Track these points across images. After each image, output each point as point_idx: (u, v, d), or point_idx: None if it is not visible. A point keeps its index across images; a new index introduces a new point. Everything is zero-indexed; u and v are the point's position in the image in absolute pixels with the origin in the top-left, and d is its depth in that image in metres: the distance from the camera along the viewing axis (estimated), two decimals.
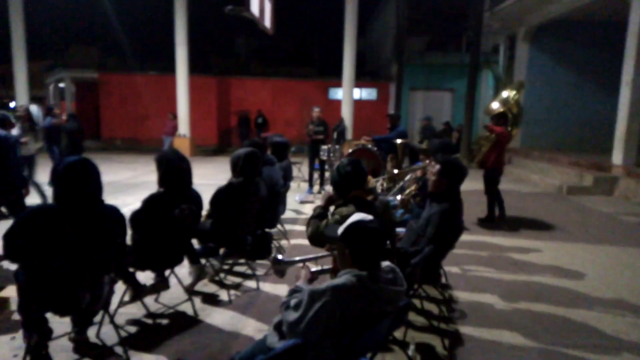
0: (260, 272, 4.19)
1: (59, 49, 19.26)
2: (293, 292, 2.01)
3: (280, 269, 2.49)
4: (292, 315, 1.74)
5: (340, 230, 1.89)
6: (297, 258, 2.57)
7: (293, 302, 1.83)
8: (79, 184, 2.25)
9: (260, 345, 1.89)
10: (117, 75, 17.06)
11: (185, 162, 3.10)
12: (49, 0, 17.18)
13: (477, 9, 12.93)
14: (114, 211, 2.47)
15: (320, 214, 2.73)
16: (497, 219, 6.39)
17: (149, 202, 2.94)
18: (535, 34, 12.68)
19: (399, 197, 4.10)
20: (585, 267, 4.71)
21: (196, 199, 3.19)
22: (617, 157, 9.04)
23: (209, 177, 9.31)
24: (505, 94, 7.18)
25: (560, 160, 10.85)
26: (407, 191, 4.04)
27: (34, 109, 7.97)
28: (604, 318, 3.52)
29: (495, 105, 7.02)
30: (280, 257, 2.53)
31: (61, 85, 19.53)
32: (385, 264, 1.92)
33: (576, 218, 6.99)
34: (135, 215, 2.93)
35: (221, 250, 3.83)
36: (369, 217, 1.95)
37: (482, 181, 6.47)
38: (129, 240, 2.96)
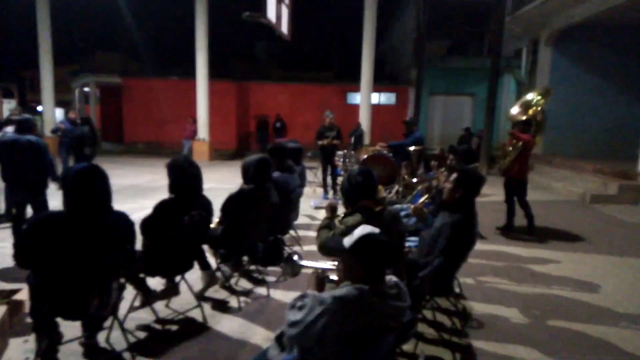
0: (271, 279, 4.17)
1: (85, 54, 19.79)
2: (302, 297, 2.00)
3: (293, 271, 2.50)
4: (295, 316, 1.76)
5: (349, 242, 1.86)
6: (311, 263, 2.58)
7: (299, 303, 1.83)
8: (87, 192, 2.28)
9: (261, 358, 1.87)
10: (139, 80, 17.43)
11: (196, 169, 3.11)
12: (76, 8, 17.70)
13: (499, 13, 12.73)
14: (123, 218, 2.49)
15: (327, 224, 2.71)
16: (504, 227, 6.26)
17: (159, 208, 2.96)
18: (558, 38, 12.40)
19: (412, 205, 4.03)
20: (606, 280, 4.54)
21: (206, 205, 3.20)
22: None
23: (226, 182, 9.40)
24: (529, 96, 6.93)
25: (583, 168, 10.55)
26: (421, 200, 3.97)
27: (58, 113, 8.18)
28: (624, 334, 3.38)
29: (516, 111, 6.81)
30: (295, 258, 2.53)
31: (86, 89, 20.05)
32: (390, 278, 1.88)
33: (599, 228, 6.77)
34: (146, 221, 2.96)
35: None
36: (376, 229, 1.92)
37: (503, 189, 6.31)
38: (139, 246, 2.99)
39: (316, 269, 2.51)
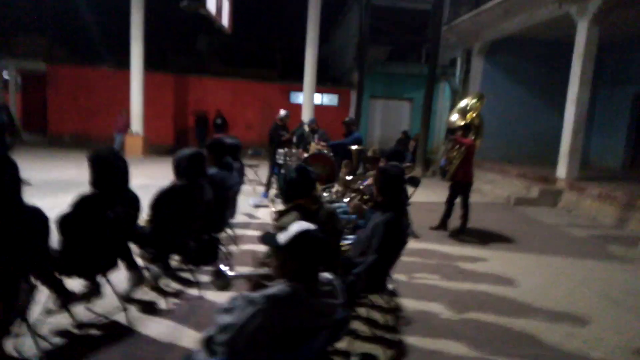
0: (204, 279, 4.01)
1: (4, 36, 18.11)
2: (232, 299, 1.91)
3: (222, 284, 2.33)
4: (225, 319, 1.68)
5: (284, 239, 1.81)
6: (241, 273, 2.46)
7: (228, 306, 1.75)
8: None
9: None
10: (67, 68, 16.21)
11: (122, 161, 2.91)
12: None
13: (436, 22, 13.28)
14: (35, 212, 2.26)
15: None
16: (438, 226, 6.56)
17: (80, 203, 2.73)
18: (490, 50, 13.15)
19: (347, 200, 4.07)
20: (527, 277, 4.85)
21: (133, 200, 3.00)
22: (562, 170, 9.48)
23: (159, 178, 8.98)
24: (463, 103, 7.22)
25: (509, 172, 11.27)
26: (352, 197, 4.02)
27: None
28: (542, 328, 3.61)
29: (455, 117, 7.08)
30: (223, 269, 2.37)
31: (5, 75, 18.38)
32: (324, 276, 1.85)
33: (522, 229, 7.24)
34: (64, 217, 2.71)
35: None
36: (311, 226, 1.88)
37: (449, 191, 6.52)
38: (55, 243, 2.74)
39: (248, 277, 2.43)
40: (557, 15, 9.66)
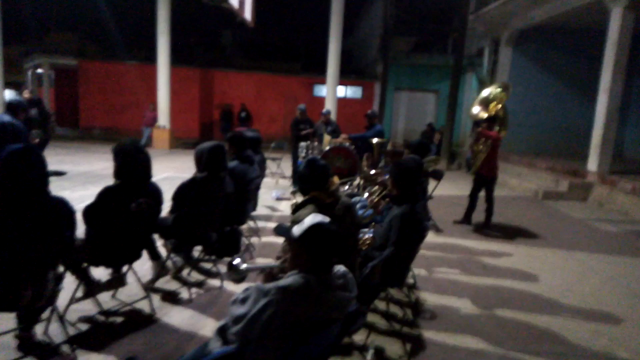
0: (225, 270, 4.08)
1: (38, 34, 18.75)
2: (245, 290, 1.94)
3: (236, 277, 2.31)
4: (239, 310, 1.71)
5: (298, 231, 1.82)
6: (255, 266, 2.47)
7: (242, 296, 1.78)
8: (19, 174, 2.13)
9: (202, 350, 1.81)
10: (97, 63, 16.65)
11: (144, 154, 2.97)
12: None
13: (462, 12, 12.98)
14: (61, 204, 2.34)
15: None
16: (462, 220, 6.44)
17: (104, 194, 2.82)
18: (518, 39, 12.77)
19: (366, 195, 4.05)
20: (553, 273, 4.72)
21: (156, 192, 3.07)
22: (592, 163, 9.16)
23: (185, 170, 9.17)
24: (485, 92, 6.96)
25: (537, 165, 10.97)
26: (372, 190, 3.99)
27: (10, 94, 7.68)
28: (567, 325, 3.52)
29: (477, 109, 6.87)
30: (236, 262, 2.34)
31: (39, 71, 19.03)
32: (338, 268, 1.85)
33: (549, 223, 7.05)
34: (89, 208, 2.80)
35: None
36: (326, 218, 1.88)
37: (472, 184, 6.39)
38: (81, 234, 2.84)
39: (262, 270, 2.44)
40: (589, 2, 9.28)
